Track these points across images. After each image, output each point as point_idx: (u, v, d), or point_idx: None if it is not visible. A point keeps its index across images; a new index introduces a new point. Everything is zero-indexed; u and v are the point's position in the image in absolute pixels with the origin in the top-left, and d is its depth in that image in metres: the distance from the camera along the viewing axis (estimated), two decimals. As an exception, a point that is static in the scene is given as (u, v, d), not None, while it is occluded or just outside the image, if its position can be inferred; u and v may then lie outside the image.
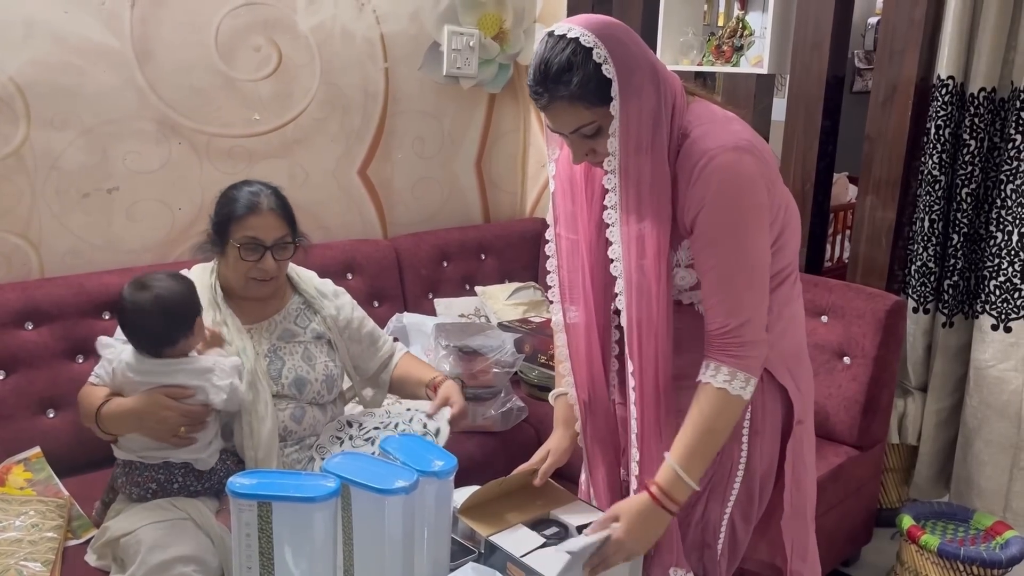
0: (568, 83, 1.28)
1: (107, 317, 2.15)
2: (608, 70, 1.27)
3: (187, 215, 2.47)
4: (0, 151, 2.14)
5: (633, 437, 1.44)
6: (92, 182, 2.29)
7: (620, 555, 1.37)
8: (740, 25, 2.78)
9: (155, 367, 1.64)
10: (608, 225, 1.38)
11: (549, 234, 1.53)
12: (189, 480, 1.69)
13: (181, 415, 1.63)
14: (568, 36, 1.28)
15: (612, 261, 1.39)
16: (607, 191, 1.37)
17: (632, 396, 1.42)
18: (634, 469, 1.46)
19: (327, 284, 2.01)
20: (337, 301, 1.98)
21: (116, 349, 1.68)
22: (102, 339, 1.71)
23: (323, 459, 1.70)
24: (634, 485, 1.46)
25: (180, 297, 1.66)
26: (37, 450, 1.95)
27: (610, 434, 1.56)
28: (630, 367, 1.41)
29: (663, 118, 1.32)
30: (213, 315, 1.81)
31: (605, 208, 1.38)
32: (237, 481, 1.28)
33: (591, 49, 1.27)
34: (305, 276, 1.99)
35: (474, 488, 1.51)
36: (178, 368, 1.65)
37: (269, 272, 1.80)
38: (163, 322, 1.63)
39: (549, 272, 1.55)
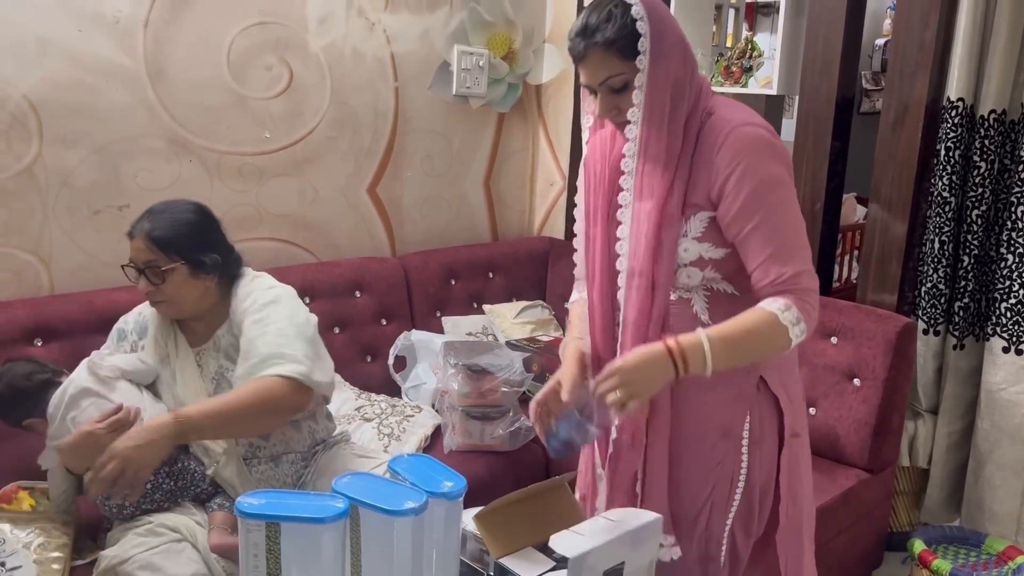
0: (604, 31, 1.37)
1: (116, 334, 2.16)
2: (642, 26, 1.36)
3: (197, 232, 2.48)
4: (12, 168, 2.15)
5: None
6: (103, 199, 2.30)
7: (611, 382, 1.32)
8: (749, 46, 2.79)
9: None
10: (620, 206, 1.46)
11: (577, 227, 1.61)
12: (161, 478, 1.71)
13: (108, 431, 1.64)
14: None
15: (619, 240, 1.46)
16: (622, 174, 1.45)
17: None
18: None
19: (255, 283, 1.85)
20: (249, 302, 1.79)
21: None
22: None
23: None
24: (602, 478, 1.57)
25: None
26: (46, 485, 1.93)
27: None
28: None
29: (686, 93, 1.40)
30: (158, 334, 1.84)
31: (620, 190, 1.46)
32: (245, 501, 1.28)
33: (630, 6, 1.37)
34: (244, 281, 1.85)
35: (478, 509, 1.50)
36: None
37: (146, 295, 1.79)
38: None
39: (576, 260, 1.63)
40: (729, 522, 1.51)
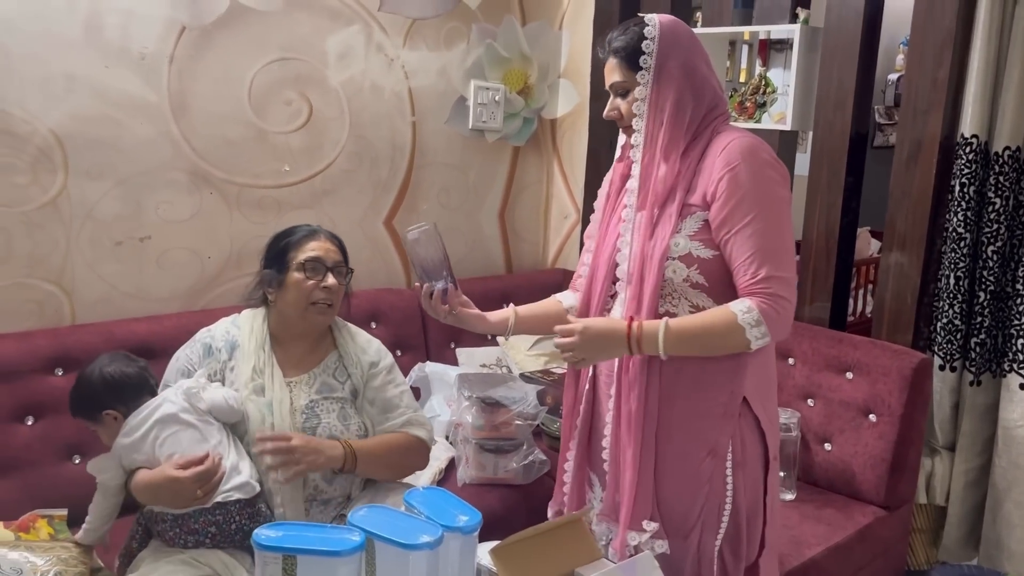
0: (617, 41, 1.58)
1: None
2: (648, 46, 1.53)
3: (216, 264, 2.51)
4: (38, 200, 2.19)
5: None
6: (125, 231, 2.34)
7: (567, 340, 1.53)
8: (763, 82, 2.82)
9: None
10: (624, 214, 1.62)
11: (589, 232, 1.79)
12: (244, 520, 1.68)
13: (193, 481, 1.60)
14: (645, 19, 1.57)
15: (619, 249, 1.60)
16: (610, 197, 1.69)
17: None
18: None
19: (374, 341, 2.00)
20: (376, 357, 1.95)
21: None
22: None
23: None
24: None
25: (88, 382, 1.75)
26: (64, 512, 1.93)
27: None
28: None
29: (686, 117, 1.53)
30: (255, 360, 1.81)
31: (625, 207, 1.62)
32: (262, 533, 1.29)
33: (645, 27, 1.55)
34: (354, 330, 1.99)
35: (494, 543, 1.50)
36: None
37: (333, 292, 1.83)
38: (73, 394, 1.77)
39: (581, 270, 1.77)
40: (718, 543, 1.56)
